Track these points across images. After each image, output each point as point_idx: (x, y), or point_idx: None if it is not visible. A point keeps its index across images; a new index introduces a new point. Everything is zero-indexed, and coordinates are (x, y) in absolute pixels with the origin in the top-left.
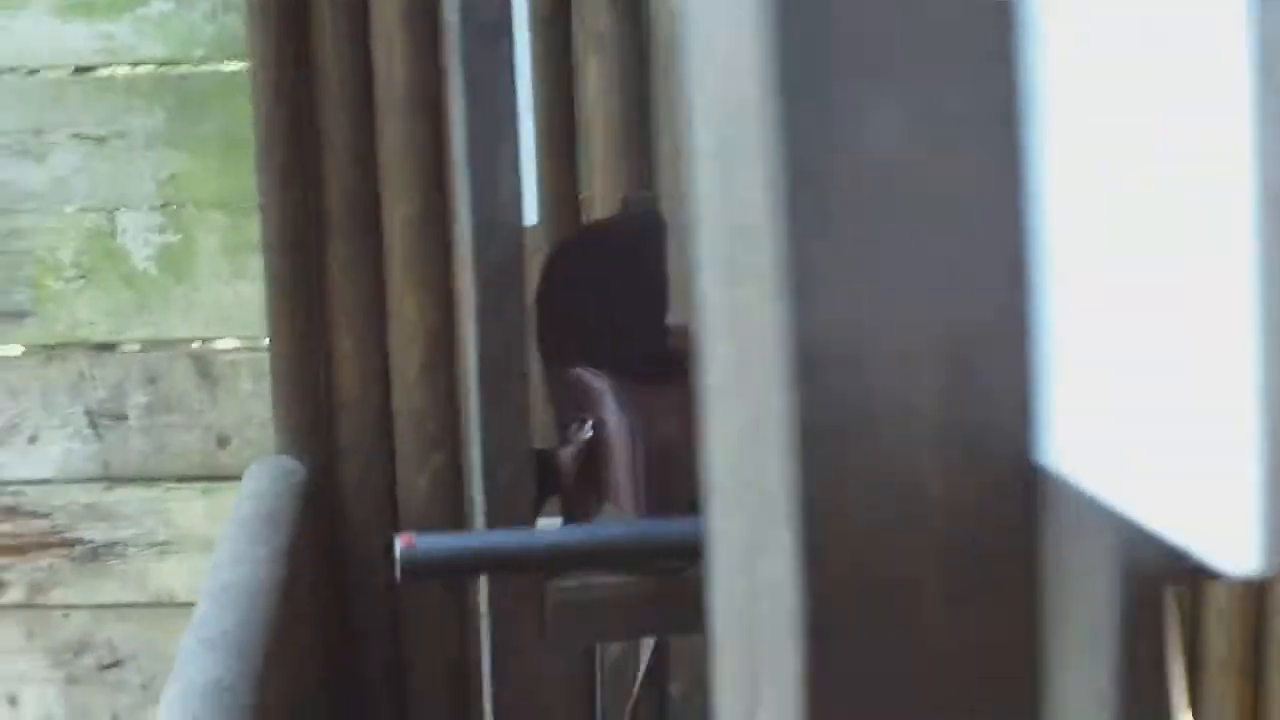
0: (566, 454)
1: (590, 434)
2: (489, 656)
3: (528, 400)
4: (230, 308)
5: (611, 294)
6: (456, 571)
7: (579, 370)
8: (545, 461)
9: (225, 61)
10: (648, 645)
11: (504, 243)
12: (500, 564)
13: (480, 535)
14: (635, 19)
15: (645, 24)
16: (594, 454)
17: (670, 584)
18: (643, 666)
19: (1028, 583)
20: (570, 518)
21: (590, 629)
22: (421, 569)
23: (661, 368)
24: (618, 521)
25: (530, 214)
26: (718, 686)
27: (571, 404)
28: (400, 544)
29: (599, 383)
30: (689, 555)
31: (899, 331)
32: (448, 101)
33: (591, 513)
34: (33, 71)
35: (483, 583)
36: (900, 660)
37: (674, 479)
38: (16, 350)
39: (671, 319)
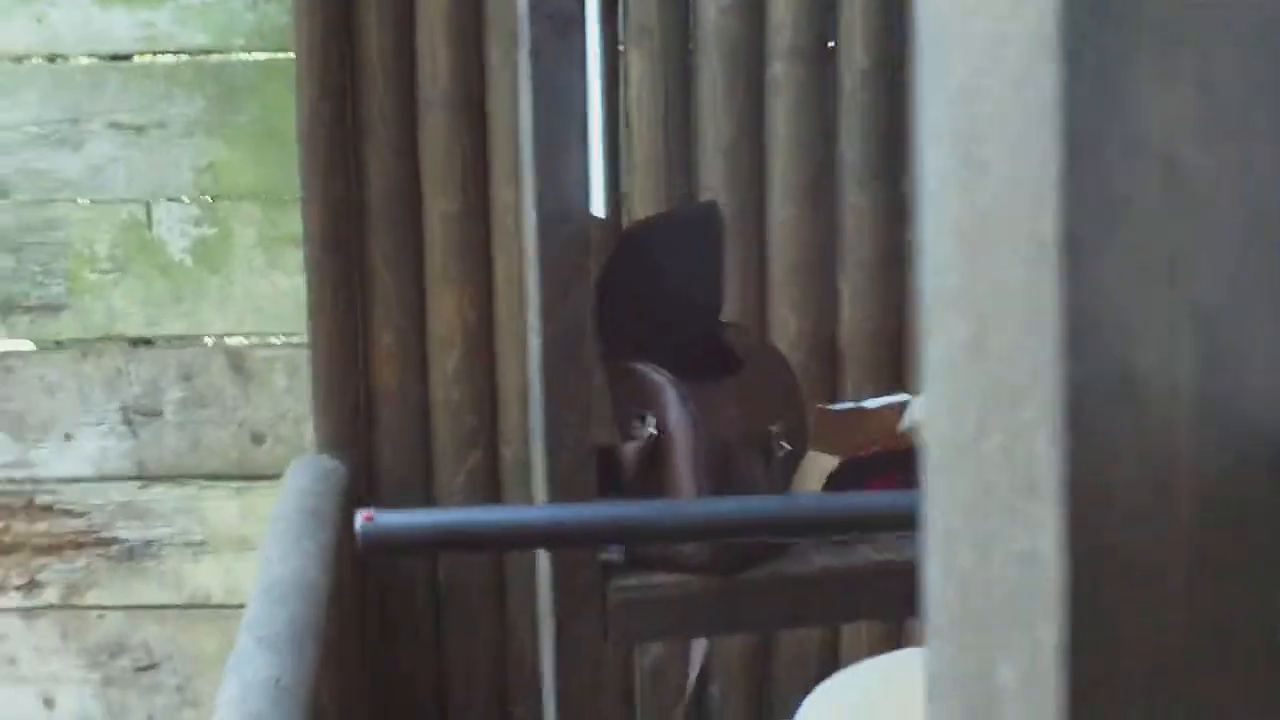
0: (629, 450)
1: (652, 431)
2: (551, 652)
3: (590, 395)
4: (265, 301)
5: (671, 288)
6: (414, 547)
7: (639, 365)
8: (607, 457)
9: (265, 51)
10: (700, 646)
11: (571, 234)
12: (454, 541)
13: (437, 512)
14: (679, 11)
15: (689, 16)
16: (655, 450)
17: (730, 583)
18: (696, 666)
19: (1277, 553)
20: None
21: (650, 627)
22: (379, 543)
23: (719, 362)
24: (575, 504)
25: (597, 206)
26: (935, 662)
27: (632, 399)
28: (360, 519)
29: (659, 378)
30: (629, 538)
31: (1164, 305)
32: (490, 98)
33: None
34: (71, 59)
35: (543, 579)
36: (1153, 628)
37: (734, 474)
38: (53, 345)
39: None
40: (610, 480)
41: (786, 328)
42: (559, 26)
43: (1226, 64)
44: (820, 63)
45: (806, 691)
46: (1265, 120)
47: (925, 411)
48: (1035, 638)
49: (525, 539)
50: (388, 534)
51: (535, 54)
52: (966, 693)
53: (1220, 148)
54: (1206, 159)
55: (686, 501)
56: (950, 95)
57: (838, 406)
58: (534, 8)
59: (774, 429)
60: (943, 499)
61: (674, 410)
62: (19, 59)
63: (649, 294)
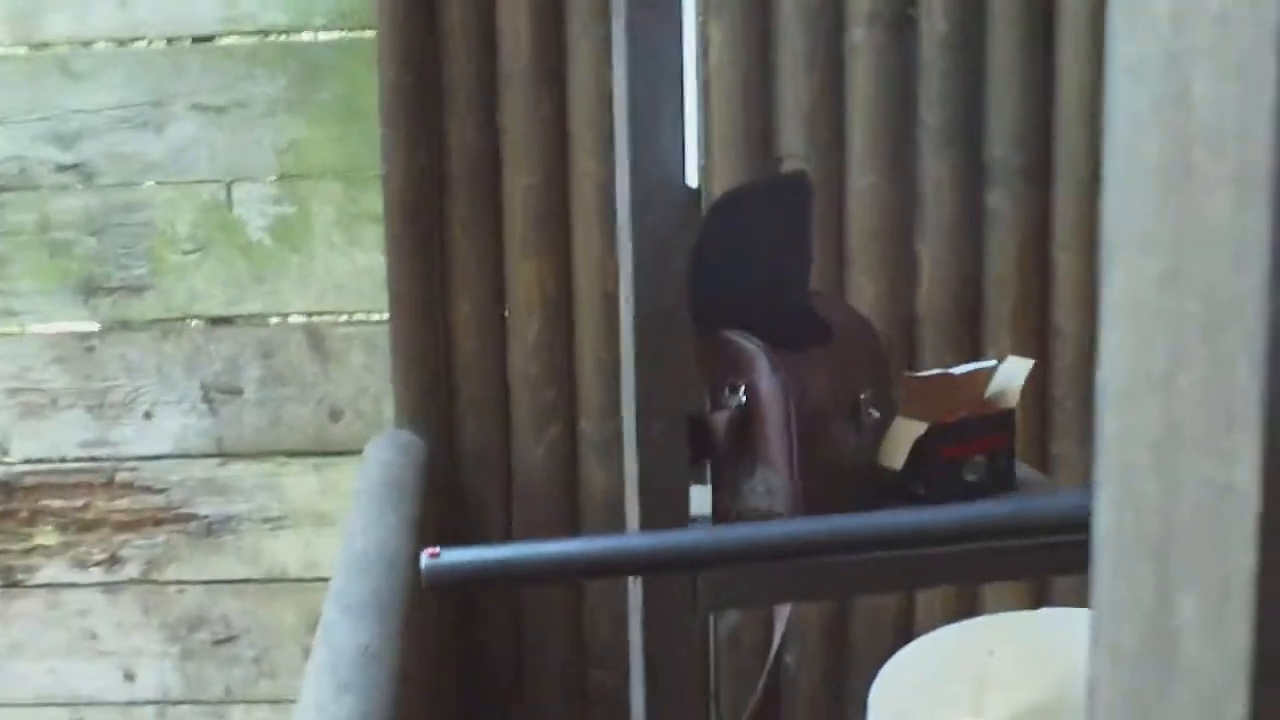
0: (720, 418)
1: (744, 399)
2: (640, 620)
3: (682, 364)
4: (345, 278)
5: (761, 256)
6: (480, 582)
7: (730, 334)
8: (698, 426)
9: (345, 30)
10: (784, 613)
11: (665, 204)
12: (517, 575)
13: (500, 548)
14: None
15: None
16: (747, 418)
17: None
18: (779, 633)
19: None
20: (721, 482)
21: (739, 594)
22: (443, 581)
23: (807, 329)
24: (633, 535)
25: (691, 176)
26: (1105, 595)
27: (723, 368)
28: (425, 557)
29: (751, 345)
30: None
31: None
32: (570, 70)
33: (743, 477)
34: (152, 42)
35: None
36: None
37: (825, 441)
38: (134, 325)
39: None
40: (702, 449)
41: (864, 294)
42: None
43: None
44: (900, 29)
45: (882, 660)
46: None
47: (1104, 351)
48: (1227, 568)
49: (585, 570)
50: (452, 571)
51: (630, 25)
52: (1141, 625)
53: None
54: None
55: (747, 526)
56: (1152, 27)
57: (925, 373)
58: None
59: (863, 396)
60: (1124, 434)
61: (765, 379)
62: (102, 42)
63: (740, 263)
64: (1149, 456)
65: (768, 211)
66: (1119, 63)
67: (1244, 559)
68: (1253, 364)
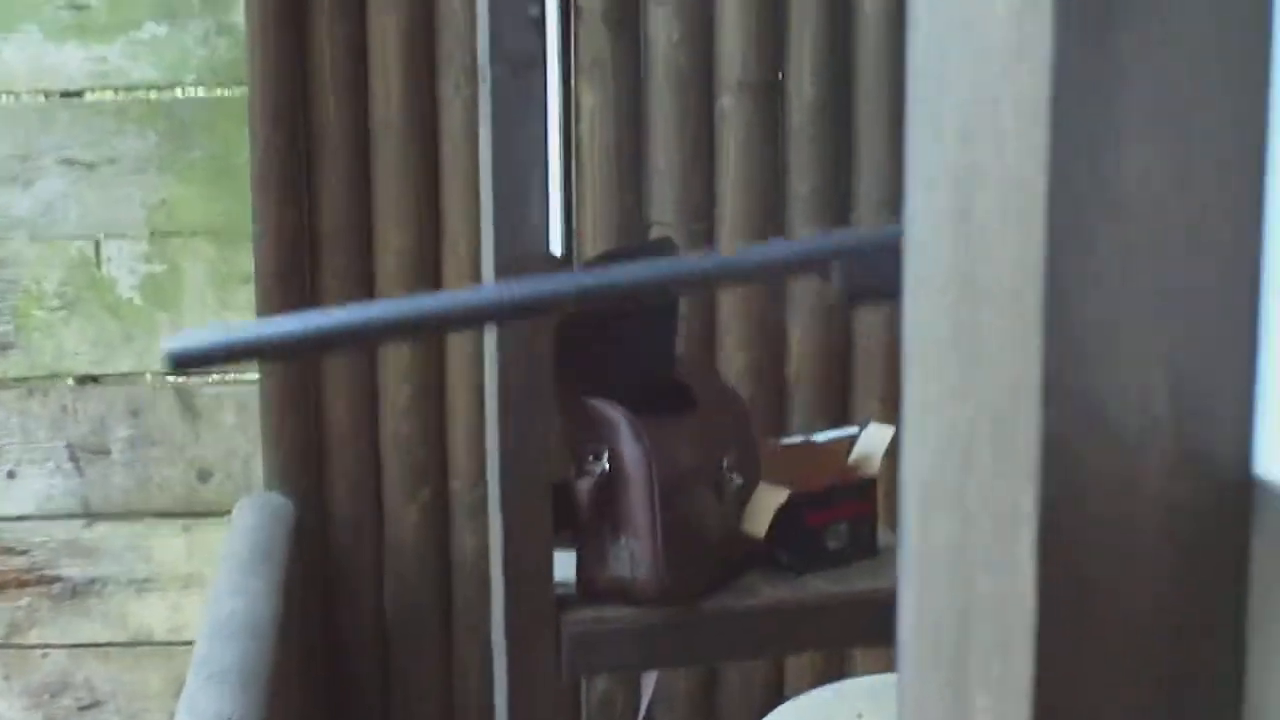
0: (583, 486)
1: (606, 466)
2: (505, 684)
3: (546, 432)
4: None
5: (626, 325)
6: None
7: (594, 401)
8: (562, 494)
9: (217, 87)
10: (651, 678)
11: (530, 272)
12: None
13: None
14: (631, 44)
15: (641, 49)
16: (610, 485)
17: (681, 616)
18: (647, 699)
19: (1239, 585)
20: (585, 549)
21: (603, 660)
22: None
23: (672, 398)
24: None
25: (555, 245)
26: (907, 695)
27: (587, 435)
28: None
29: (613, 413)
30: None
31: (1137, 348)
32: (443, 130)
33: (607, 544)
34: (21, 96)
35: (496, 613)
36: (1119, 655)
37: (687, 507)
38: None
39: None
40: (567, 515)
41: (733, 362)
42: (518, 67)
43: (1191, 124)
44: (769, 95)
45: None
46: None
47: (905, 461)
48: (1013, 671)
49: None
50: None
51: (495, 95)
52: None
53: (1191, 203)
54: (1178, 214)
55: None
56: (943, 143)
57: (788, 440)
58: (494, 48)
59: (726, 461)
60: (923, 543)
61: (628, 446)
62: None
63: (605, 332)
64: (944, 565)
65: None
66: (916, 174)
67: (1025, 664)
68: (1028, 475)
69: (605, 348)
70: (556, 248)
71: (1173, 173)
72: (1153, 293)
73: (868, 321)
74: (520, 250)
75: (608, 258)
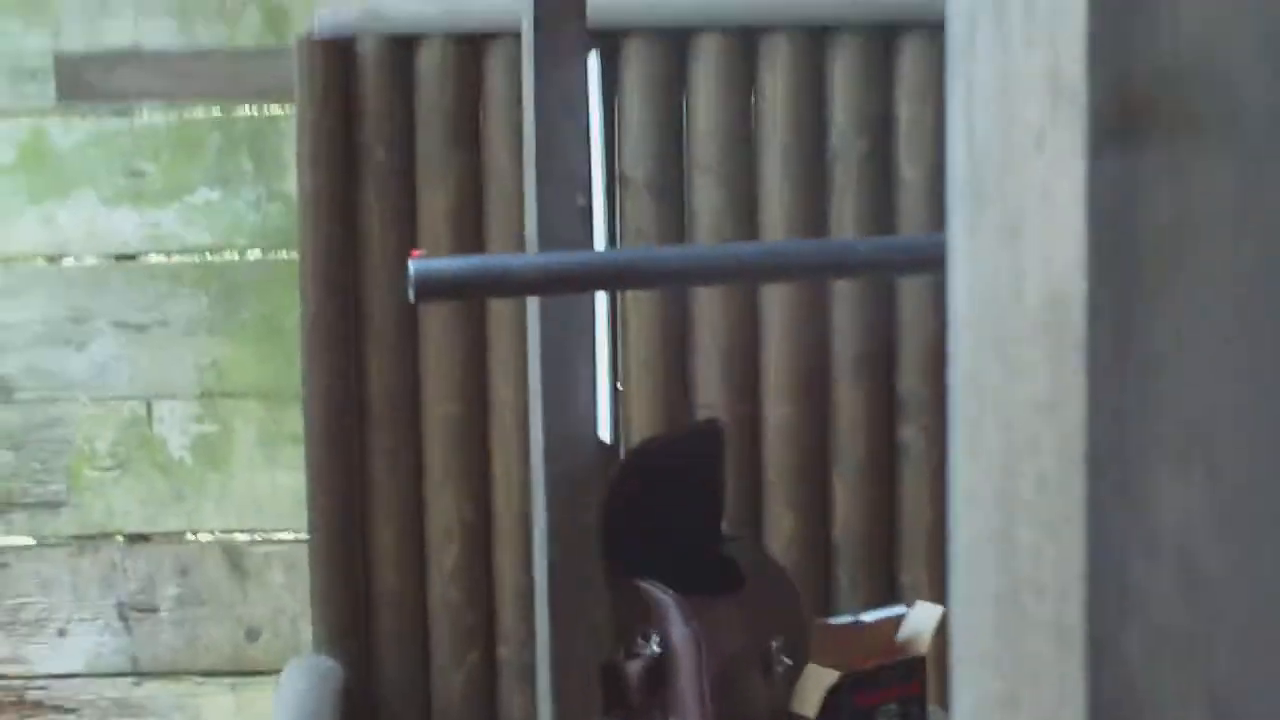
0: (633, 667)
1: (657, 649)
2: None
3: (595, 612)
4: (265, 498)
5: (674, 506)
6: (467, 289)
7: (643, 583)
8: (611, 674)
9: (268, 250)
10: None
11: (577, 456)
12: (505, 284)
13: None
14: (675, 214)
15: (684, 218)
16: (660, 668)
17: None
18: None
19: None
20: None
21: None
22: (432, 284)
23: (721, 576)
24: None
25: (604, 431)
26: None
27: (636, 617)
28: (411, 262)
29: (663, 595)
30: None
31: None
32: (492, 301)
33: None
34: (77, 259)
35: None
36: None
37: (739, 693)
38: (50, 541)
39: (727, 528)
40: (615, 697)
41: (781, 525)
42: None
43: (1235, 465)
44: None
45: None
46: (1270, 515)
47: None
48: None
49: (575, 281)
50: (440, 275)
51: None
52: None
53: (1230, 542)
54: (1218, 553)
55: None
56: (988, 461)
57: (837, 620)
58: (542, 238)
59: (775, 644)
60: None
61: (677, 628)
62: (27, 259)
63: (653, 513)
64: None
65: (680, 461)
66: (959, 488)
67: None
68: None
69: (653, 528)
70: (605, 432)
71: (1210, 512)
72: (1190, 633)
73: (913, 474)
74: (569, 434)
75: (653, 444)
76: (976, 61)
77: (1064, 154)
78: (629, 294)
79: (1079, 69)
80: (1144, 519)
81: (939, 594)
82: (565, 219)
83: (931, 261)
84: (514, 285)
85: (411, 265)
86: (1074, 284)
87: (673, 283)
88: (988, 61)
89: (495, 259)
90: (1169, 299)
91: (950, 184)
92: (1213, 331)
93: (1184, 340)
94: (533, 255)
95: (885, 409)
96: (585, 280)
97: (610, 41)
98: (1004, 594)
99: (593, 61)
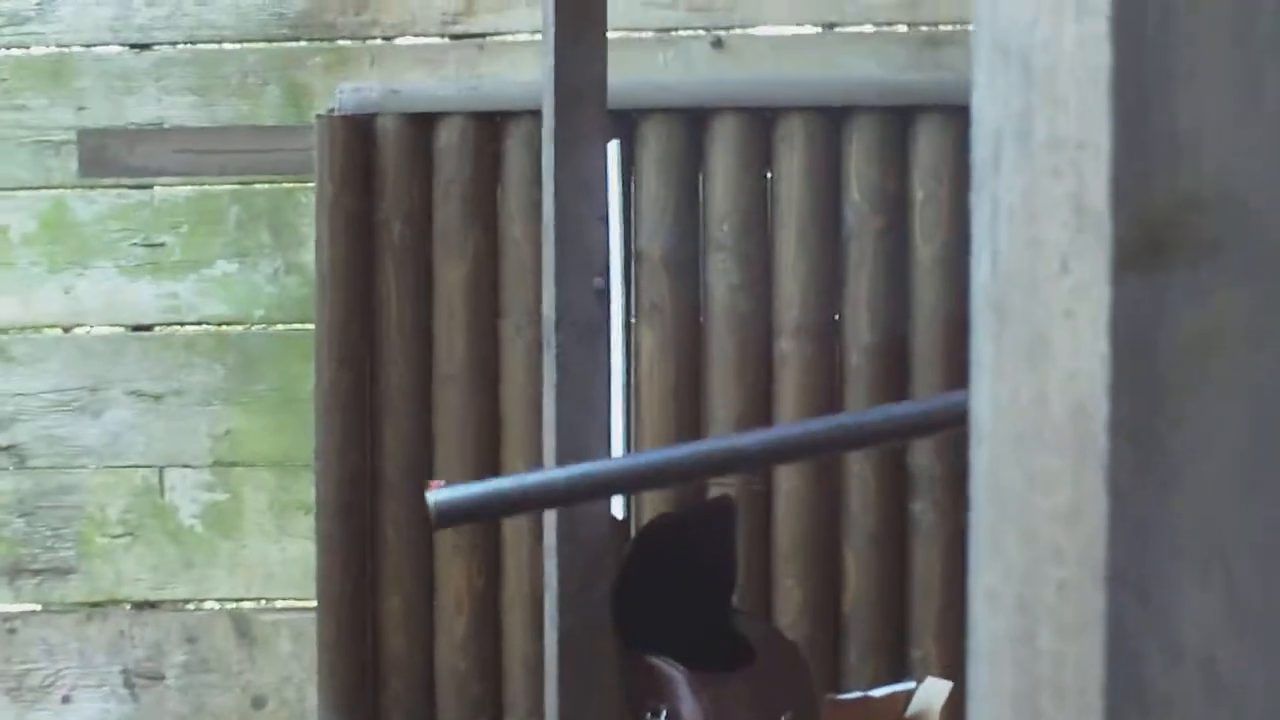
0: None
1: None
2: None
3: (606, 688)
4: (275, 565)
5: (685, 582)
6: (486, 513)
7: (654, 658)
8: None
9: (284, 323)
10: None
11: (590, 531)
12: (523, 503)
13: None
14: (690, 288)
15: (700, 292)
16: None
17: None
18: None
19: None
20: None
21: None
22: (452, 513)
23: (731, 651)
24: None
25: (618, 506)
26: None
27: (646, 691)
28: (430, 492)
29: (673, 670)
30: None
31: None
32: (504, 372)
33: None
34: (93, 329)
35: None
36: None
37: None
38: (58, 607)
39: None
40: None
41: (790, 598)
42: (583, 335)
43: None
44: (826, 338)
45: None
46: None
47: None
48: None
49: (592, 491)
50: (458, 504)
51: (560, 361)
52: None
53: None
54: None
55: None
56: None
57: (846, 696)
58: (560, 317)
59: (784, 719)
60: None
61: (686, 703)
62: (44, 328)
63: (664, 589)
64: None
65: (692, 537)
66: (980, 589)
67: None
68: None
69: (664, 603)
70: (619, 509)
71: (1235, 622)
72: None
73: (924, 548)
74: (582, 509)
75: (666, 520)
76: (1001, 181)
77: (1088, 277)
78: (642, 365)
79: (1103, 195)
80: (1164, 626)
81: (949, 668)
82: (583, 300)
83: (950, 420)
84: (530, 503)
85: (430, 498)
86: (1096, 400)
87: (684, 480)
88: (1013, 183)
89: (509, 481)
90: (1189, 414)
91: (975, 298)
92: (1231, 445)
93: (1203, 454)
94: (546, 472)
95: (896, 483)
96: (597, 490)
97: (627, 120)
98: (1023, 694)
99: (613, 148)
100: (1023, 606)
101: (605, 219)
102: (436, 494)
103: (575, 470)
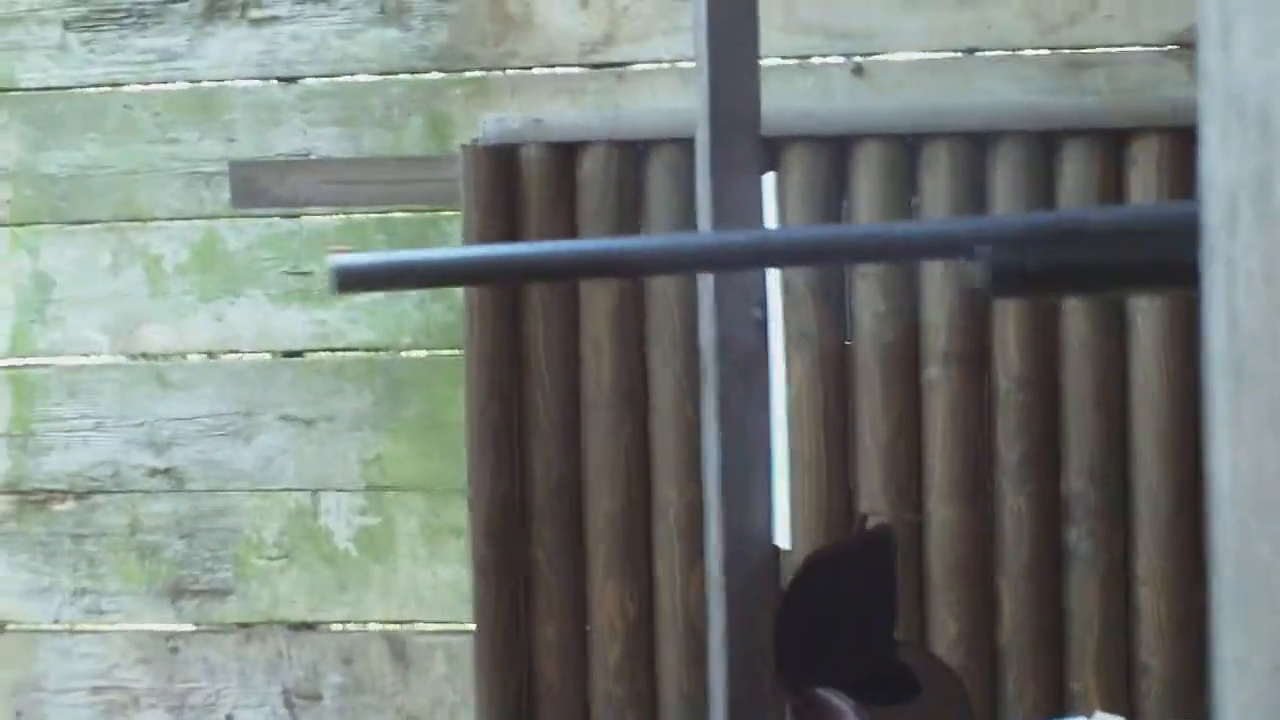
0: None
1: None
2: None
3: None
4: (427, 589)
5: (847, 614)
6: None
7: (820, 691)
8: None
9: (431, 348)
10: None
11: (753, 563)
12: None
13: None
14: (837, 315)
15: (847, 320)
16: None
17: None
18: None
19: None
20: None
21: None
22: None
23: (896, 684)
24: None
25: (783, 538)
26: None
27: None
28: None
29: (841, 703)
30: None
31: None
32: (653, 398)
33: None
34: (245, 355)
35: None
36: None
37: None
38: (218, 628)
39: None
40: None
41: (945, 630)
42: (744, 367)
43: None
44: (975, 366)
45: None
46: None
47: None
48: None
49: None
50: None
51: (720, 393)
52: None
53: None
54: None
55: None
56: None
57: None
58: (719, 349)
59: None
60: None
61: None
62: (197, 354)
63: (827, 621)
64: None
65: (851, 569)
66: (1228, 657)
67: None
68: None
69: (828, 636)
70: (784, 540)
71: None
72: None
73: (1080, 578)
74: (745, 545)
75: (826, 552)
76: (1238, 242)
77: None
78: (791, 394)
79: None
80: None
81: (1109, 702)
82: (742, 331)
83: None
84: (432, 277)
85: (330, 262)
86: None
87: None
88: (1251, 244)
89: (413, 255)
90: None
91: (1209, 361)
92: None
93: None
94: (450, 250)
95: (1051, 511)
96: (495, 273)
97: (770, 149)
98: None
99: (769, 179)
100: (1275, 675)
101: None
102: (338, 259)
103: (477, 252)
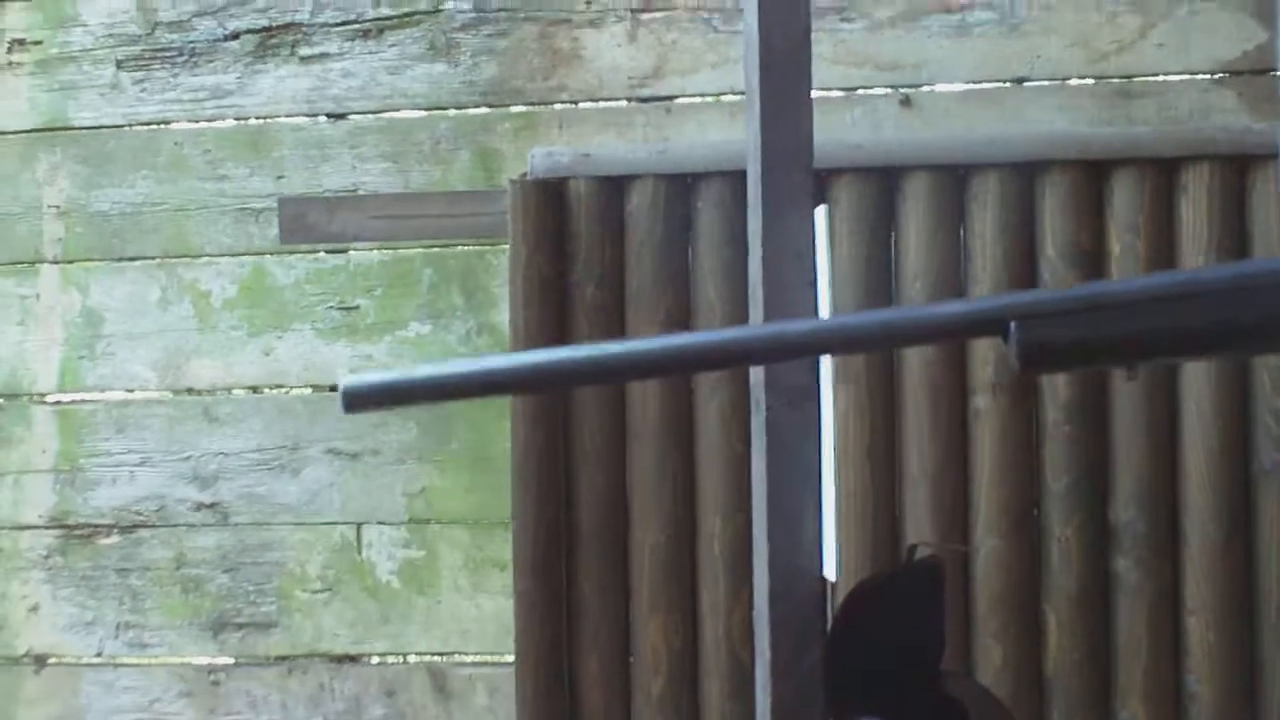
0: None
1: None
2: None
3: None
4: (470, 621)
5: (896, 644)
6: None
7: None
8: None
9: None
10: None
11: (802, 594)
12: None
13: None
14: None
15: (894, 350)
16: None
17: None
18: None
19: None
20: None
21: None
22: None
23: (944, 714)
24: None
25: (830, 568)
26: None
27: None
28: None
29: None
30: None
31: None
32: (698, 429)
33: None
34: (291, 389)
35: None
36: None
37: None
38: (261, 660)
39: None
40: None
41: (991, 657)
42: (795, 399)
43: None
44: (1022, 396)
45: None
46: None
47: None
48: None
49: (505, 385)
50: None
51: (770, 425)
52: None
53: None
54: None
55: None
56: None
57: None
58: (770, 380)
59: None
60: None
61: None
62: (243, 389)
63: (875, 651)
64: None
65: (899, 600)
66: None
67: None
68: None
69: (876, 666)
70: (831, 572)
71: None
72: None
73: (1128, 607)
74: (793, 576)
75: (874, 583)
76: None
77: None
78: (837, 425)
79: None
80: None
81: None
82: (793, 365)
83: None
84: (440, 393)
85: (340, 383)
86: None
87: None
88: None
89: (421, 370)
90: None
91: None
92: None
93: None
94: (458, 363)
95: (1098, 540)
96: (511, 385)
97: (819, 180)
98: None
99: (821, 212)
100: None
101: (814, 284)
102: (347, 379)
103: (489, 363)
